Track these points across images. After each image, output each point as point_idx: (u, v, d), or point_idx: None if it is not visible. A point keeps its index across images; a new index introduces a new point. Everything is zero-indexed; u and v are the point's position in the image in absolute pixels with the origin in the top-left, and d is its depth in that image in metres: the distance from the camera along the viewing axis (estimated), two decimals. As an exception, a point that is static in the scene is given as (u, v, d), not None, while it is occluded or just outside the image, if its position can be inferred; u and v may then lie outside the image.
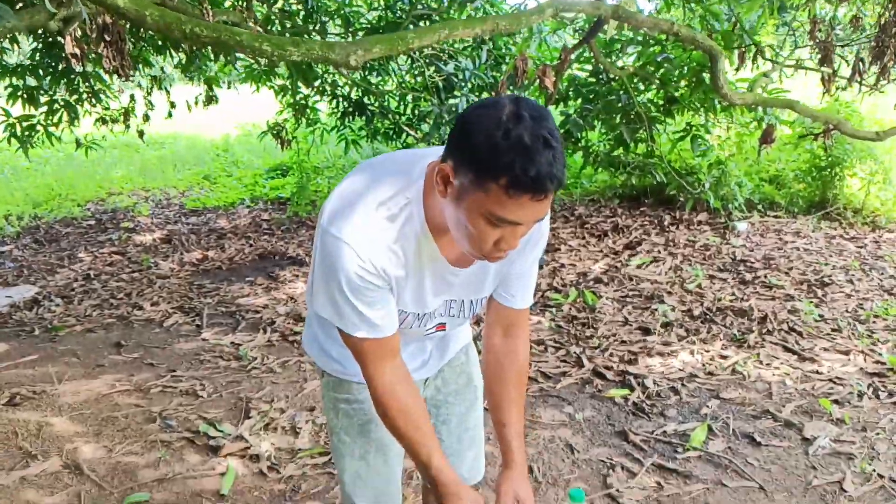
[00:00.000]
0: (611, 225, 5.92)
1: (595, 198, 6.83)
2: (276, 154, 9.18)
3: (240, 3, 5.01)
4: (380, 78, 6.90)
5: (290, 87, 6.54)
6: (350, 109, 6.81)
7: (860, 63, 4.00)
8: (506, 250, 1.08)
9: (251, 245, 5.92)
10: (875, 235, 5.39)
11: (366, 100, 6.83)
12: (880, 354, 3.38)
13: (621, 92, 5.82)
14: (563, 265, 4.98)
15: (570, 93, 6.14)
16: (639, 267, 4.89)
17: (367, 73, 6.77)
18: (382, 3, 5.96)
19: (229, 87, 7.64)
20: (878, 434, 2.72)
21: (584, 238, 5.63)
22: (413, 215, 1.15)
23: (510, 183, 0.97)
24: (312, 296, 1.23)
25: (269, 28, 5.47)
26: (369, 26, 6.00)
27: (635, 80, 5.78)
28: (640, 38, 5.62)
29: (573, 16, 5.22)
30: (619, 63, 5.88)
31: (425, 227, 1.16)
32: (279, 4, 5.72)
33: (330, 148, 8.50)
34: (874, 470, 2.50)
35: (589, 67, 6.02)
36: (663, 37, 5.26)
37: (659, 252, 5.18)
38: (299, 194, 7.21)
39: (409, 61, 6.65)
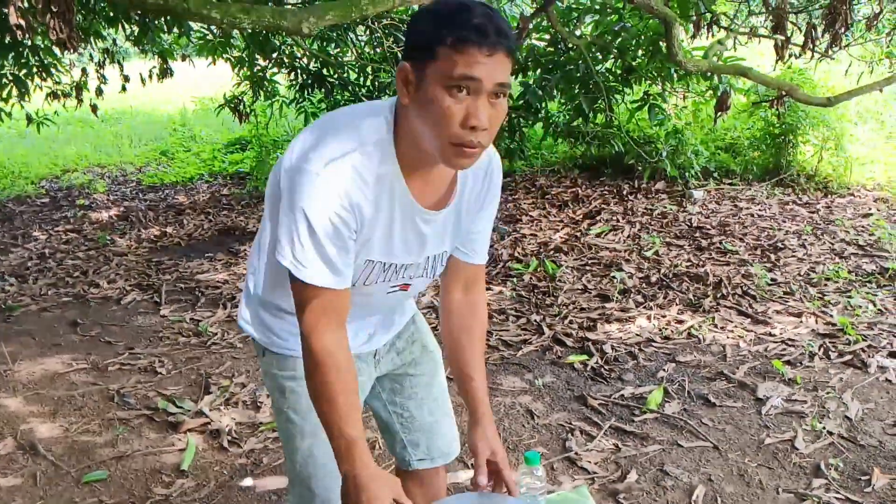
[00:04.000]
0: (571, 195, 5.97)
1: (555, 168, 6.86)
2: (235, 128, 9.01)
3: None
4: (338, 49, 6.80)
5: (246, 59, 6.41)
6: (309, 82, 6.70)
7: (813, 30, 4.05)
8: (476, 128, 1.07)
9: (210, 221, 5.84)
10: (827, 201, 5.52)
11: (325, 72, 6.73)
12: (831, 316, 3.49)
13: (580, 62, 5.81)
14: (524, 235, 5.01)
15: (529, 63, 6.12)
16: (598, 236, 4.95)
17: (325, 44, 6.66)
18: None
19: (184, 60, 7.45)
20: (828, 393, 2.82)
21: (545, 208, 5.67)
22: (387, 153, 1.17)
23: (455, 39, 1.04)
24: (268, 248, 1.21)
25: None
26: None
27: (593, 50, 5.78)
28: (597, 7, 5.61)
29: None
30: (577, 32, 5.87)
31: (397, 165, 1.17)
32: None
33: (289, 121, 8.38)
34: (824, 427, 2.59)
35: (547, 37, 5.99)
36: (620, 5, 5.27)
37: (618, 221, 5.25)
38: (259, 168, 7.10)
39: (367, 32, 6.56)
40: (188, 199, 6.74)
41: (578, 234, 5.00)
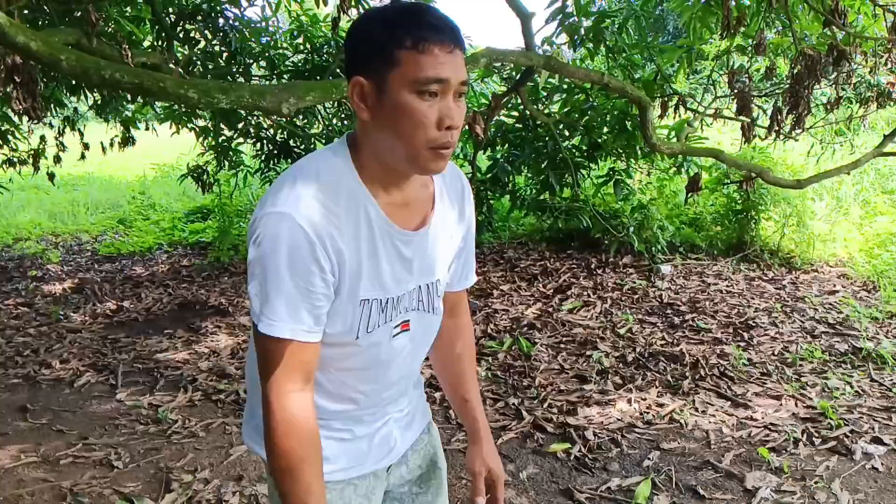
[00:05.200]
0: (540, 268, 5.95)
1: (523, 241, 6.87)
2: (196, 196, 8.86)
3: (160, 44, 4.82)
4: (306, 121, 6.79)
5: (212, 128, 6.34)
6: (275, 152, 6.65)
7: (779, 113, 4.17)
8: (451, 128, 1.06)
9: (170, 294, 5.63)
10: (792, 276, 5.60)
11: (291, 142, 6.69)
12: (811, 399, 3.46)
13: (547, 138, 5.91)
14: (496, 311, 4.94)
15: (498, 139, 6.19)
16: (570, 312, 4.90)
17: (279, 116, 6.64)
18: (309, 46, 5.88)
19: (147, 129, 7.35)
20: (816, 482, 2.75)
21: (514, 282, 5.62)
22: (350, 179, 1.12)
23: (414, 39, 1.02)
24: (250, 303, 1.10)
25: (191, 70, 5.29)
26: (295, 70, 5.90)
27: (560, 127, 5.88)
28: (564, 87, 5.74)
29: (501, 64, 5.28)
30: (546, 111, 5.98)
31: (364, 187, 1.12)
32: (201, 45, 5.55)
33: (253, 191, 8.28)
34: (815, 520, 2.51)
35: (516, 114, 6.09)
36: (588, 85, 5.38)
37: (588, 296, 5.22)
38: (221, 239, 6.95)
39: (335, 104, 6.57)
40: (146, 270, 6.52)
41: (550, 309, 4.95)
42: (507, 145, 6.21)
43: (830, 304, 4.89)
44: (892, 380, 3.67)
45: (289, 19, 6.13)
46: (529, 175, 6.47)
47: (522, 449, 3.11)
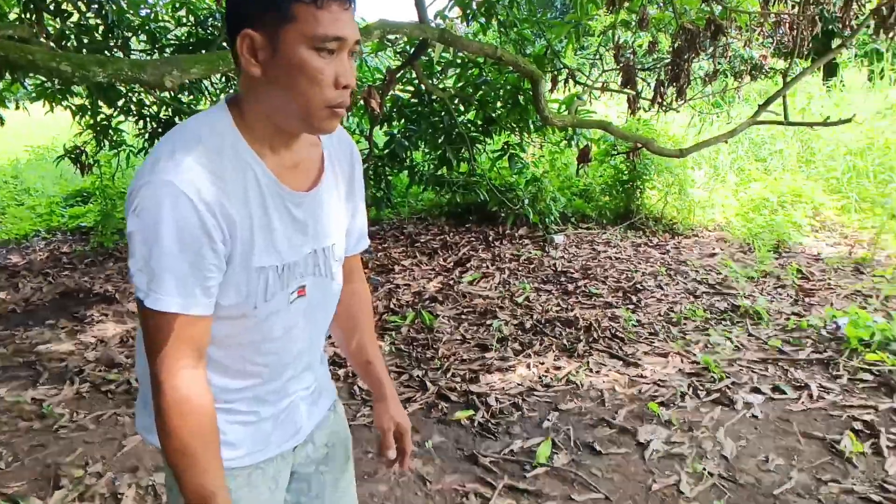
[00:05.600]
0: (440, 242, 6.00)
1: (423, 216, 6.90)
2: (75, 179, 8.33)
3: (28, 16, 4.46)
4: (192, 97, 6.50)
5: (89, 106, 5.96)
6: (159, 130, 6.33)
7: (661, 86, 4.36)
8: (347, 87, 1.06)
9: (50, 283, 5.29)
10: (675, 242, 5.91)
11: (177, 119, 6.38)
12: (695, 355, 3.69)
13: (443, 113, 5.94)
14: (398, 286, 4.95)
15: (394, 114, 6.16)
16: (470, 283, 4.98)
17: (177, 91, 6.34)
18: (192, 18, 5.61)
19: (17, 108, 6.80)
20: (703, 433, 2.94)
21: (415, 257, 5.65)
22: (235, 141, 1.07)
23: None
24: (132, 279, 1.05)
25: (64, 44, 4.94)
26: (178, 43, 5.62)
27: (456, 102, 5.92)
28: (458, 61, 5.77)
29: (395, 38, 5.24)
30: (441, 85, 5.99)
31: (250, 150, 1.08)
32: (74, 18, 5.18)
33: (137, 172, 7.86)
34: (704, 469, 2.69)
35: (411, 89, 6.07)
36: (481, 60, 5.43)
37: (487, 267, 5.32)
38: (104, 223, 6.57)
39: (223, 78, 6.32)
40: (23, 258, 6.09)
41: (451, 282, 5.01)
42: (403, 120, 6.19)
43: (710, 266, 5.20)
44: (767, 334, 3.96)
45: (170, -10, 5.83)
46: (427, 150, 6.49)
47: (428, 419, 3.15)
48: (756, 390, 3.29)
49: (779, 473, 2.65)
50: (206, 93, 6.46)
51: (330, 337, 1.44)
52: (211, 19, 5.63)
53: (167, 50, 5.60)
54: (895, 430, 2.89)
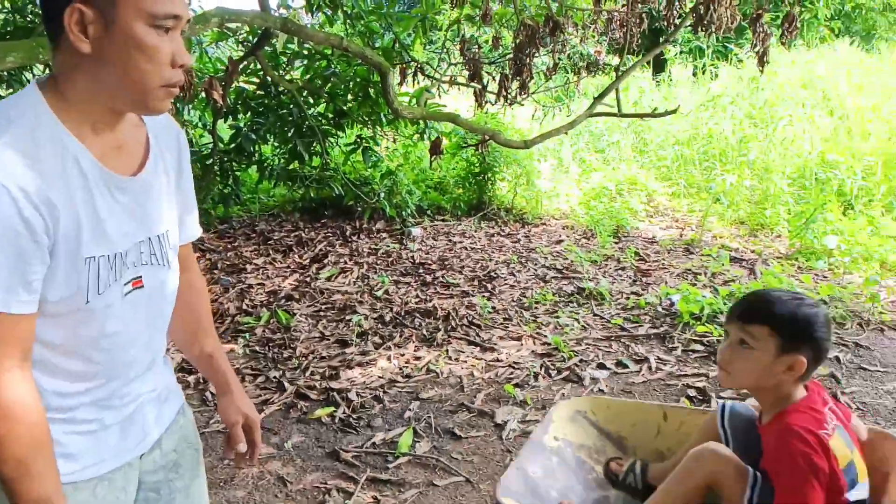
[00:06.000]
0: (295, 239, 5.86)
1: (275, 213, 6.71)
2: None
3: None
4: (11, 90, 5.93)
5: None
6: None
7: (505, 80, 4.50)
8: (183, 66, 1.04)
9: None
10: (525, 230, 6.14)
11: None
12: (546, 336, 3.85)
13: (292, 106, 5.79)
14: (250, 286, 4.78)
15: (239, 106, 5.93)
16: (328, 279, 4.91)
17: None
18: (9, 5, 5.11)
19: None
20: (553, 408, 3.08)
21: (269, 255, 5.48)
22: (49, 125, 1.00)
23: None
24: None
25: None
26: (-7, 31, 5.11)
27: (304, 94, 5.79)
28: (305, 53, 5.64)
29: (236, 27, 5.04)
30: (287, 77, 5.84)
31: (69, 134, 1.01)
32: None
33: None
34: (555, 441, 2.81)
35: (256, 80, 5.87)
36: (329, 51, 5.35)
37: (345, 262, 5.27)
38: None
39: (46, 70, 5.82)
40: None
41: (308, 279, 4.91)
42: (249, 113, 5.97)
43: (558, 252, 5.46)
44: (610, 313, 4.21)
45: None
46: (276, 144, 6.30)
47: (286, 420, 3.07)
48: (601, 366, 3.50)
49: (624, 442, 2.82)
50: (27, 83, 5.92)
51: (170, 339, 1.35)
52: (31, 5, 5.16)
53: (-21, 38, 5.07)
54: (724, 395, 3.17)
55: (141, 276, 1.14)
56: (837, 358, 3.49)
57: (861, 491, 1.50)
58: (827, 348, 1.56)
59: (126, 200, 1.09)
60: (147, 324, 1.19)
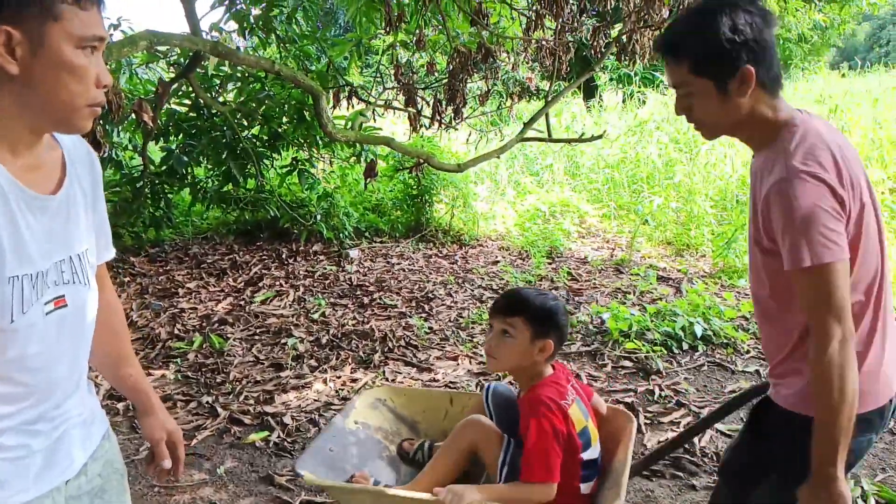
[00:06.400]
0: (229, 262, 5.78)
1: (208, 235, 6.60)
2: None
3: None
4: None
5: None
6: None
7: (439, 105, 4.59)
8: (105, 86, 1.08)
9: None
10: (462, 252, 6.22)
11: None
12: (481, 356, 3.90)
13: (225, 128, 5.74)
14: (182, 310, 4.68)
15: (171, 128, 5.85)
16: (263, 303, 4.86)
17: None
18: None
19: None
20: (488, 426, 3.13)
21: (202, 279, 5.39)
22: None
23: None
24: None
25: None
26: None
27: (238, 116, 5.76)
28: (238, 75, 5.62)
29: (166, 49, 4.99)
30: (221, 99, 5.80)
31: None
32: None
33: None
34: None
35: (188, 102, 5.80)
36: (263, 74, 5.35)
37: (281, 286, 5.22)
38: None
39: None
40: None
41: (242, 302, 4.85)
42: (181, 135, 5.89)
43: (494, 272, 5.55)
44: (543, 331, 4.30)
45: None
46: (210, 166, 6.22)
47: (219, 445, 3.02)
48: (536, 384, 3.56)
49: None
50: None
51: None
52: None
53: None
54: (651, 409, 3.28)
55: (63, 296, 1.14)
56: (758, 371, 3.66)
57: (593, 452, 1.84)
58: (566, 333, 1.93)
59: (46, 220, 1.10)
60: (71, 343, 1.18)
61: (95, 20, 1.04)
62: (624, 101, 11.37)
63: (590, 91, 12.29)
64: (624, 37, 4.05)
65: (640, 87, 11.01)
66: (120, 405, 3.32)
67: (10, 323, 1.04)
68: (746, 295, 4.87)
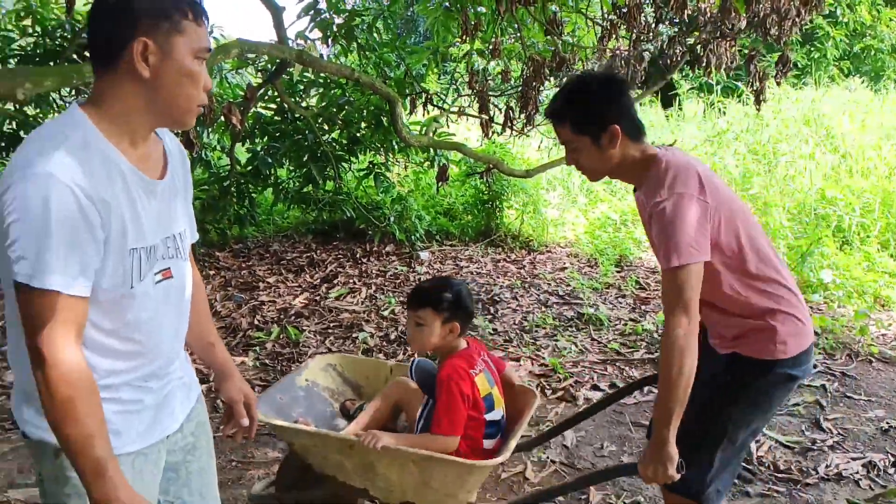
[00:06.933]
0: (307, 260, 6.06)
1: (289, 234, 6.91)
2: None
3: None
4: (39, 110, 6.19)
5: (-82, 117, 5.53)
6: (2, 144, 5.96)
7: (511, 111, 4.70)
8: (207, 90, 1.27)
9: None
10: (531, 257, 6.30)
11: (22, 133, 6.05)
12: (544, 358, 3.99)
13: (307, 131, 6.02)
14: (262, 303, 4.96)
15: (257, 131, 6.17)
16: (337, 299, 5.08)
17: (27, 103, 6.02)
18: (39, 29, 5.38)
19: None
20: (548, 426, 3.21)
21: (281, 274, 5.67)
22: (94, 139, 1.19)
23: (193, 13, 1.21)
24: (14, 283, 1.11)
25: None
26: (23, 54, 5.37)
27: (320, 121, 6.02)
28: (321, 81, 5.88)
29: (255, 56, 5.28)
30: (303, 104, 6.08)
31: (110, 145, 1.20)
32: None
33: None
34: (548, 457, 2.95)
35: (273, 106, 6.11)
36: (344, 80, 5.58)
37: (354, 283, 5.44)
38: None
39: (74, 92, 6.07)
40: None
41: (318, 297, 5.09)
42: (266, 137, 6.20)
43: (561, 278, 5.61)
44: (607, 338, 4.35)
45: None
46: (291, 168, 6.53)
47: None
48: (595, 387, 3.63)
49: (612, 458, 2.96)
50: (55, 105, 6.18)
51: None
52: (60, 30, 5.43)
53: (11, 61, 5.34)
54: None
55: (169, 268, 1.33)
56: (824, 386, 3.61)
57: (496, 415, 2.13)
58: (472, 312, 2.21)
59: (155, 201, 1.29)
60: (175, 312, 1.38)
61: (206, 34, 1.25)
62: (704, 111, 11.16)
63: (666, 100, 12.11)
64: (698, 47, 4.06)
65: (720, 96, 10.78)
66: (203, 387, 3.57)
67: (130, 289, 1.23)
68: (820, 310, 4.77)
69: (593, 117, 1.78)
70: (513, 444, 2.01)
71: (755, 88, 4.41)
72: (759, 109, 4.62)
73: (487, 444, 2.11)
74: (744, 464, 2.85)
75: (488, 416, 2.10)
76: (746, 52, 4.48)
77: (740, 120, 9.12)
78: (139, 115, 1.23)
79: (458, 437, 2.03)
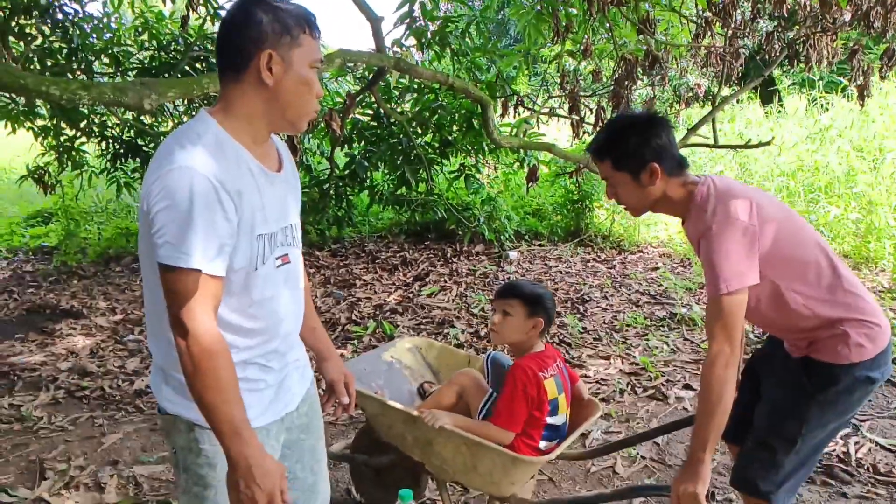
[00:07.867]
0: (400, 259, 6.26)
1: (383, 234, 7.16)
2: (36, 200, 8.37)
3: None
4: (154, 119, 6.66)
5: (52, 127, 6.08)
6: (122, 151, 6.47)
7: (602, 111, 4.73)
8: (319, 96, 1.40)
9: (16, 300, 5.38)
10: (621, 257, 6.28)
11: (139, 141, 6.54)
12: (634, 357, 4.01)
13: (401, 135, 6.23)
14: (359, 299, 5.19)
15: (354, 136, 6.43)
16: (429, 296, 5.25)
17: (139, 112, 6.49)
18: (155, 43, 5.81)
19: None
20: (638, 423, 3.25)
21: (376, 272, 5.90)
22: (224, 139, 1.34)
23: (310, 26, 1.35)
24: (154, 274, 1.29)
25: (28, 66, 5.09)
26: (141, 67, 5.81)
27: (413, 125, 6.22)
28: (415, 87, 6.08)
29: (354, 64, 5.53)
30: (398, 109, 6.30)
31: (237, 143, 1.36)
32: (38, 42, 5.33)
33: (98, 192, 7.96)
34: (638, 453, 2.99)
35: (370, 112, 6.36)
36: (437, 86, 5.75)
37: (445, 281, 5.60)
38: (67, 242, 6.67)
39: (185, 102, 6.50)
40: (-15, 277, 6.15)
41: (411, 295, 5.27)
42: (363, 142, 6.46)
43: (652, 278, 5.57)
44: (700, 338, 4.31)
45: (132, 15, 6.03)
46: (386, 171, 6.76)
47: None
48: (687, 387, 3.62)
49: (703, 455, 2.96)
50: (169, 114, 6.65)
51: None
52: (174, 44, 5.84)
53: (130, 73, 5.78)
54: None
55: (287, 254, 1.48)
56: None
57: (558, 420, 2.17)
58: (553, 315, 2.25)
59: (275, 193, 1.44)
60: (292, 296, 1.52)
61: (319, 47, 1.38)
62: (806, 107, 10.71)
63: (765, 96, 11.69)
64: (798, 42, 3.97)
65: (823, 92, 10.33)
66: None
67: (255, 270, 1.38)
68: (930, 313, 4.55)
69: (633, 155, 1.83)
70: (563, 446, 2.07)
71: (859, 83, 4.26)
72: (862, 105, 4.45)
73: (543, 444, 2.15)
74: (841, 465, 2.80)
75: (549, 419, 2.14)
76: (851, 45, 4.33)
77: (844, 116, 8.72)
78: (261, 118, 1.37)
79: (513, 433, 2.09)
